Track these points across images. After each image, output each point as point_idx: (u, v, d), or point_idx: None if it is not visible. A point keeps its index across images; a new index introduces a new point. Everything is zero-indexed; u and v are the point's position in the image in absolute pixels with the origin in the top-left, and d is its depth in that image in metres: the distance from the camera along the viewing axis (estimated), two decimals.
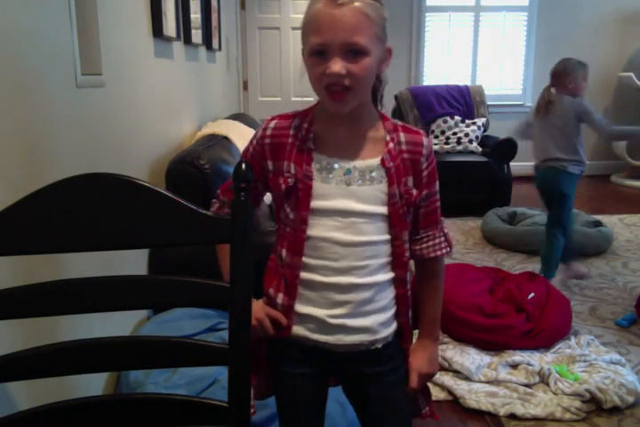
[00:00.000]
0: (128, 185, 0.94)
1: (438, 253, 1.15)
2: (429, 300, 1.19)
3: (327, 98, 1.01)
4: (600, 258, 3.57)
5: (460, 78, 5.87)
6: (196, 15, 3.02)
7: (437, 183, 1.12)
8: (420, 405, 1.22)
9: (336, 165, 1.04)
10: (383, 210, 1.05)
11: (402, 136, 1.07)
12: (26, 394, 1.22)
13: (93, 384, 1.63)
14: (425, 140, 1.08)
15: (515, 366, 2.25)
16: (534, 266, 3.34)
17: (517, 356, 2.28)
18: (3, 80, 1.17)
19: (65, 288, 0.95)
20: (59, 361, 0.96)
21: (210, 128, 2.81)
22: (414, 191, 1.07)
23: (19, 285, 0.94)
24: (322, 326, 1.08)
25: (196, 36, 3.03)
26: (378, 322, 1.09)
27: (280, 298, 1.09)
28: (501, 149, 4.57)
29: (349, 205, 1.04)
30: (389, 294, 1.11)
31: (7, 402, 1.17)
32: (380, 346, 1.11)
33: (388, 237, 1.07)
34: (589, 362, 2.24)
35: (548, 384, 2.12)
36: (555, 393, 2.08)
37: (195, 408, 1.00)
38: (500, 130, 5.22)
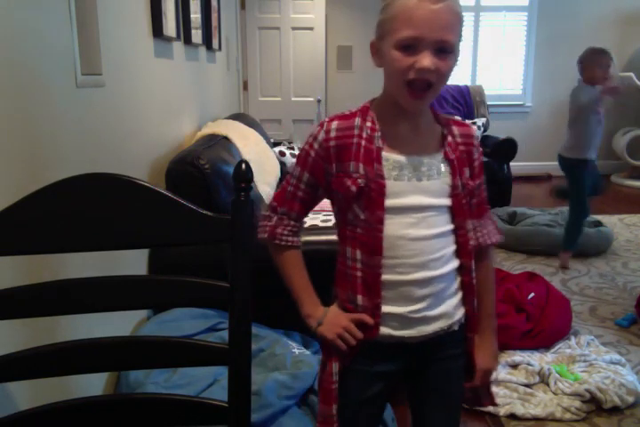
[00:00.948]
0: (128, 185, 0.94)
1: (493, 239, 1.17)
2: (484, 289, 1.18)
3: (407, 94, 1.00)
4: (600, 258, 3.56)
5: (460, 78, 5.86)
6: (196, 15, 3.02)
7: (483, 176, 1.15)
8: (481, 395, 1.23)
9: (406, 162, 1.05)
10: (448, 202, 1.07)
11: (455, 129, 1.10)
12: (26, 394, 1.22)
13: (93, 384, 1.63)
14: (475, 132, 1.14)
15: (515, 366, 2.25)
16: (534, 266, 3.34)
17: (517, 356, 2.28)
18: (3, 80, 1.17)
19: (65, 288, 0.95)
20: (59, 361, 0.96)
21: (210, 128, 2.81)
22: (471, 182, 1.10)
23: (19, 285, 0.94)
24: (404, 321, 1.08)
25: (196, 36, 3.02)
26: (452, 306, 1.11)
27: (360, 300, 1.08)
28: (501, 149, 4.57)
29: (421, 201, 1.05)
30: (457, 278, 1.12)
31: (7, 402, 1.17)
32: (456, 328, 1.13)
33: (452, 226, 1.09)
34: (589, 362, 2.24)
35: (547, 384, 2.12)
36: (555, 393, 2.08)
37: (195, 408, 1.00)
38: (500, 130, 5.23)
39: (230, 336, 0.97)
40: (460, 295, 1.13)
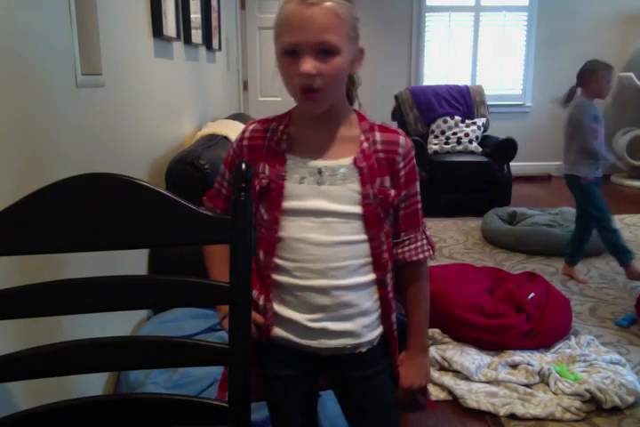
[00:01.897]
0: (128, 185, 0.94)
1: (420, 255, 1.11)
2: (413, 307, 1.15)
3: (300, 98, 1.02)
4: (600, 258, 3.57)
5: (460, 78, 5.87)
6: (196, 15, 3.02)
7: (417, 184, 1.10)
8: (420, 400, 1.20)
9: (308, 165, 1.05)
10: (357, 209, 1.04)
11: (377, 135, 1.06)
12: (26, 394, 1.22)
13: (93, 384, 1.63)
14: (402, 139, 1.06)
15: (515, 366, 2.25)
16: (534, 266, 3.35)
17: (517, 356, 2.28)
18: (3, 80, 1.17)
19: (65, 288, 0.95)
20: (59, 361, 0.96)
21: (210, 128, 2.81)
22: (392, 192, 1.05)
23: (19, 285, 0.94)
24: (303, 329, 1.07)
25: (196, 36, 3.03)
26: (362, 325, 1.08)
27: (261, 299, 1.10)
28: (501, 149, 4.58)
29: (322, 205, 1.03)
30: (372, 296, 1.09)
31: (7, 402, 1.17)
32: (364, 350, 1.10)
33: (365, 236, 1.05)
34: (589, 362, 2.24)
35: (547, 384, 2.12)
36: (555, 393, 2.08)
37: (195, 408, 1.00)
38: (500, 130, 5.23)
39: (230, 336, 0.96)
40: (377, 314, 1.10)
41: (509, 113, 5.94)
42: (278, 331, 1.09)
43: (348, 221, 1.04)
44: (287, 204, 1.04)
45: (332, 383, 1.20)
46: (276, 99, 5.68)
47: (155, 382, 1.60)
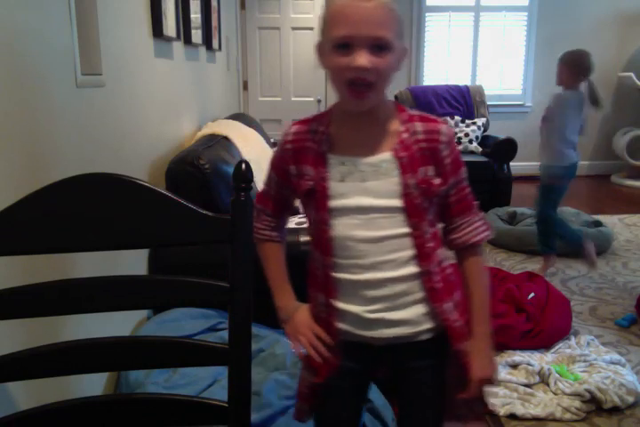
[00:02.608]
0: (128, 185, 0.94)
1: (480, 236, 1.11)
2: (474, 292, 1.13)
3: (347, 95, 1.00)
4: (600, 258, 3.55)
5: (460, 78, 5.87)
6: (196, 15, 3.02)
7: (464, 170, 1.11)
8: (475, 408, 1.18)
9: (349, 164, 1.05)
10: (398, 203, 1.04)
11: (417, 126, 1.06)
12: (26, 394, 1.22)
13: (93, 384, 1.63)
14: (443, 128, 1.07)
15: (515, 366, 2.25)
16: (534, 266, 3.34)
17: (517, 356, 2.28)
18: (3, 80, 1.17)
19: (65, 288, 0.95)
20: (59, 361, 0.96)
21: (210, 128, 2.81)
22: (436, 180, 1.05)
23: (19, 285, 0.94)
24: (362, 321, 1.08)
25: (196, 36, 3.03)
26: (419, 313, 1.09)
27: (320, 297, 1.11)
28: (501, 149, 4.57)
29: (366, 202, 1.04)
30: (424, 286, 1.10)
31: (7, 402, 1.17)
32: (422, 338, 1.11)
33: (407, 230, 1.05)
34: (589, 362, 2.24)
35: (547, 384, 2.12)
36: (555, 393, 2.08)
37: (195, 408, 1.00)
38: (500, 130, 5.23)
39: (230, 336, 0.97)
40: (430, 305, 1.10)
41: (509, 113, 5.94)
42: (340, 325, 1.10)
43: (391, 215, 1.05)
44: (333, 203, 1.05)
45: (386, 375, 1.21)
46: (275, 99, 5.68)
47: (155, 382, 1.59)
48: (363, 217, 1.04)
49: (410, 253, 1.07)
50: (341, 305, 1.09)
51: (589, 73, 3.03)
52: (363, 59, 0.95)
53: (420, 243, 1.06)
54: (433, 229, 1.09)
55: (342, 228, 1.06)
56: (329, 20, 0.99)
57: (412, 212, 1.05)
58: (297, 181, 1.08)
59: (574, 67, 3.03)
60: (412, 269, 1.07)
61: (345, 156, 1.05)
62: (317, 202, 1.06)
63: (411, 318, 1.09)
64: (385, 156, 1.04)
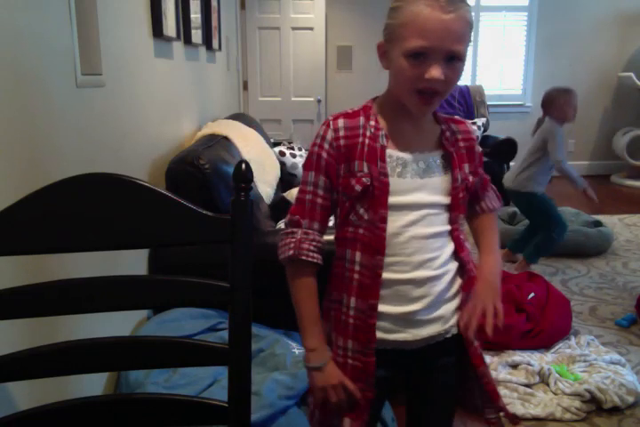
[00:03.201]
0: (128, 185, 0.94)
1: (496, 204, 1.21)
2: (483, 233, 1.21)
3: (416, 101, 1.01)
4: (600, 258, 3.57)
5: (460, 78, 5.86)
6: (196, 15, 3.02)
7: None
8: (485, 405, 1.17)
9: (406, 160, 1.05)
10: (446, 199, 1.07)
11: (454, 126, 1.12)
12: (26, 394, 1.22)
13: (93, 384, 1.63)
14: (471, 128, 1.16)
15: (515, 366, 2.25)
16: (534, 266, 3.34)
17: (517, 356, 2.28)
18: (3, 80, 1.17)
19: (65, 288, 0.95)
20: (59, 361, 0.96)
21: (210, 128, 2.81)
22: (471, 178, 1.11)
23: (19, 285, 0.94)
24: (399, 323, 1.07)
25: (196, 36, 3.03)
26: (450, 310, 1.10)
27: (354, 302, 1.06)
28: (501, 149, 4.57)
29: (422, 198, 1.05)
30: (457, 281, 1.12)
31: (7, 402, 1.17)
32: (451, 335, 1.11)
33: (450, 227, 1.09)
34: (589, 362, 2.24)
35: (547, 384, 2.12)
36: (555, 393, 2.08)
37: (195, 408, 1.00)
38: (500, 130, 5.23)
39: (230, 336, 0.97)
40: (458, 300, 1.12)
41: (509, 113, 5.94)
42: (376, 332, 1.07)
43: (439, 211, 1.07)
44: (393, 199, 1.04)
45: (409, 375, 1.20)
46: (275, 99, 5.67)
47: (155, 382, 1.59)
48: (417, 213, 1.05)
49: (451, 249, 1.09)
50: (381, 307, 1.06)
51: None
52: (437, 72, 0.96)
53: (456, 235, 1.10)
54: (464, 221, 1.14)
55: (395, 224, 1.04)
56: (403, 27, 0.97)
57: (455, 206, 1.08)
58: (345, 180, 1.04)
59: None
60: (451, 266, 1.10)
61: (401, 152, 1.06)
62: (375, 199, 1.03)
63: (444, 314, 1.10)
64: (437, 153, 1.08)
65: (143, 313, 2.03)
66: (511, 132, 4.98)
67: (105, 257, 1.49)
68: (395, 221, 1.04)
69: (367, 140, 1.04)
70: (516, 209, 4.09)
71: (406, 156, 1.05)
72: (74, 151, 1.50)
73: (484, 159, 1.22)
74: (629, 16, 5.88)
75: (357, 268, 1.06)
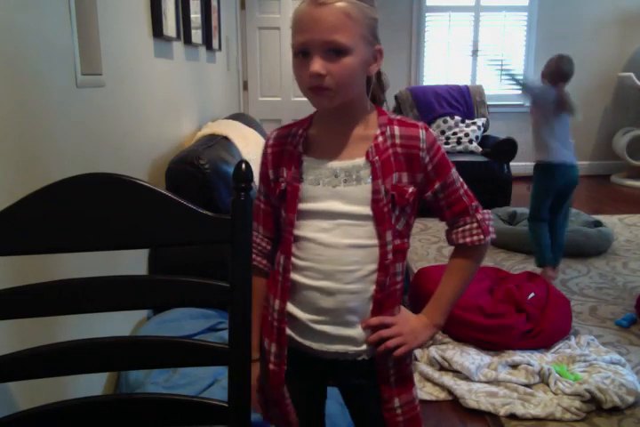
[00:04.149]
0: (128, 185, 0.94)
1: (467, 239, 1.08)
2: (444, 279, 1.11)
3: (311, 97, 1.01)
4: (600, 258, 3.57)
5: (460, 78, 5.86)
6: (196, 15, 3.02)
7: (453, 171, 1.07)
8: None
9: (323, 167, 1.04)
10: (369, 210, 1.01)
11: (396, 130, 1.03)
12: (26, 394, 1.22)
13: (93, 384, 1.63)
14: (422, 133, 1.02)
15: (515, 366, 2.25)
16: (534, 266, 3.34)
17: (517, 356, 2.28)
18: (3, 80, 1.17)
19: (65, 288, 0.95)
20: (59, 361, 0.96)
21: (210, 128, 2.81)
22: (410, 188, 1.02)
23: (19, 285, 0.94)
24: (306, 330, 1.07)
25: (196, 36, 3.03)
26: (364, 334, 1.06)
27: (277, 304, 1.09)
28: (501, 149, 4.57)
29: (336, 207, 1.02)
30: (386, 304, 1.06)
31: (7, 402, 1.17)
32: (367, 357, 1.08)
33: (377, 241, 1.03)
34: (589, 362, 2.24)
35: (547, 384, 2.12)
36: (555, 393, 2.08)
37: (195, 408, 1.00)
38: (500, 130, 5.23)
39: (230, 336, 0.96)
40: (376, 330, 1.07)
41: (509, 113, 5.93)
42: (288, 331, 1.09)
43: (363, 223, 1.02)
44: (302, 205, 1.04)
45: (337, 385, 1.20)
46: (275, 99, 5.68)
47: (155, 382, 1.60)
48: (331, 222, 1.03)
49: (373, 267, 1.03)
50: (291, 309, 1.07)
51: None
52: (316, 65, 0.96)
53: (381, 253, 1.03)
54: (399, 241, 1.04)
55: (307, 229, 1.04)
56: (292, 28, 1.00)
57: (380, 220, 1.02)
58: (274, 185, 1.08)
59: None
60: (368, 285, 1.04)
61: (320, 158, 1.05)
62: (287, 203, 1.05)
63: (356, 336, 1.06)
64: (359, 161, 1.03)
65: (143, 313, 2.03)
66: (511, 132, 4.98)
67: (105, 257, 1.49)
68: (308, 226, 1.04)
69: (290, 147, 1.07)
70: (516, 209, 4.10)
71: (323, 163, 1.04)
72: (74, 151, 1.50)
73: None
74: (630, 16, 5.88)
75: (280, 270, 1.08)
